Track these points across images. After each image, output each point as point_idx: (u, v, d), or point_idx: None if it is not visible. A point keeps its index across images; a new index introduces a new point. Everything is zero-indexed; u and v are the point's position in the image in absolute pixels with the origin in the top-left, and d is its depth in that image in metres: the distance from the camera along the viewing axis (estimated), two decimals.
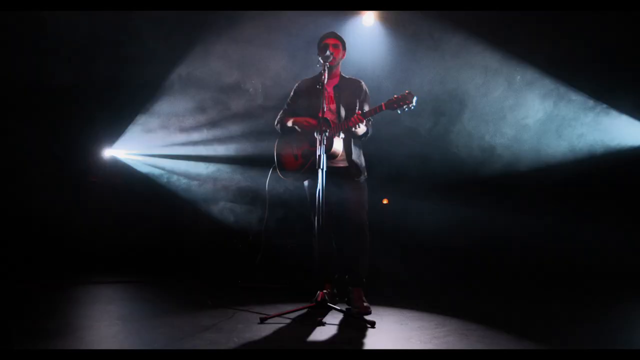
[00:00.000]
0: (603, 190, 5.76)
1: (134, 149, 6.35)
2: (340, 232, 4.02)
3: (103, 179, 6.32)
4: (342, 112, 3.97)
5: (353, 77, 4.19)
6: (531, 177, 5.92)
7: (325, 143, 3.55)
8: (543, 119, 5.86)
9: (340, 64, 4.14)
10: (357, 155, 4.04)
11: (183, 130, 6.21)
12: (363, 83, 4.16)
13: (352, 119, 3.72)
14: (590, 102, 5.65)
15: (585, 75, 5.54)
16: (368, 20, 5.76)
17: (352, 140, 4.01)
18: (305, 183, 4.16)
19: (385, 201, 6.61)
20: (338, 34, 4.15)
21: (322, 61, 3.75)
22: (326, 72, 3.74)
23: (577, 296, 4.89)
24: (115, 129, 6.28)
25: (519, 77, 5.87)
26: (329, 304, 3.51)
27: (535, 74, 5.71)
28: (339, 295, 4.10)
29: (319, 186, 3.49)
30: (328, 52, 3.78)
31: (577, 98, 5.68)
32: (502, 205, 5.89)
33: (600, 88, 5.57)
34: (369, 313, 3.73)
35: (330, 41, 4.07)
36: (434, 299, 4.53)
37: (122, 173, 6.37)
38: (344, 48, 4.14)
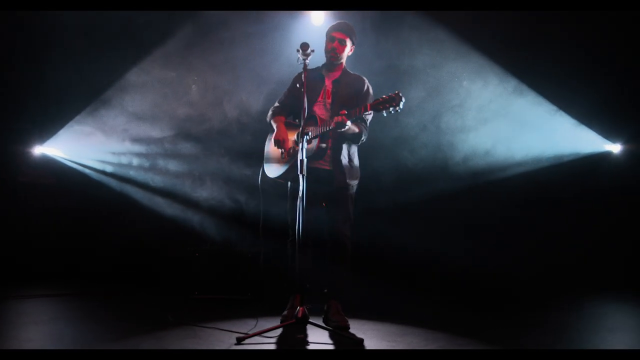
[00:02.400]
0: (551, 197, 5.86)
1: (70, 146, 5.77)
2: (319, 243, 3.78)
3: (34, 179, 5.70)
4: (336, 109, 3.67)
5: (356, 74, 3.93)
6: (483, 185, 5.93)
7: (308, 143, 3.30)
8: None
9: (345, 59, 3.88)
10: (347, 159, 3.77)
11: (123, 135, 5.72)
12: (366, 80, 3.89)
13: (335, 119, 3.47)
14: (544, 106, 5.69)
15: (539, 76, 5.56)
16: (317, 19, 5.52)
17: (345, 142, 3.75)
18: (289, 184, 3.89)
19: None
20: (348, 25, 3.85)
21: (301, 58, 3.46)
22: (305, 74, 3.47)
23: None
24: (47, 125, 5.68)
25: (465, 82, 5.84)
26: (310, 320, 3.25)
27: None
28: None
29: (300, 193, 3.24)
30: (306, 49, 3.48)
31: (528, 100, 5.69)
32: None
33: (552, 91, 5.61)
34: (347, 327, 3.51)
35: (337, 35, 3.80)
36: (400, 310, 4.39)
37: (57, 172, 5.76)
38: (354, 43, 3.86)
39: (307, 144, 3.36)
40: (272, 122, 3.91)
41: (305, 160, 3.25)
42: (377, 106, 3.38)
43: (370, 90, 3.87)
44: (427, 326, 3.58)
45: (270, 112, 3.99)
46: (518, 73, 5.50)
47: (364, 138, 3.76)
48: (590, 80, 5.40)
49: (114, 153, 5.77)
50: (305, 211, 3.25)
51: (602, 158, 5.81)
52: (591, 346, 3.15)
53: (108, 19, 5.13)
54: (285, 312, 3.71)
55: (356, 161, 3.85)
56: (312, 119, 3.62)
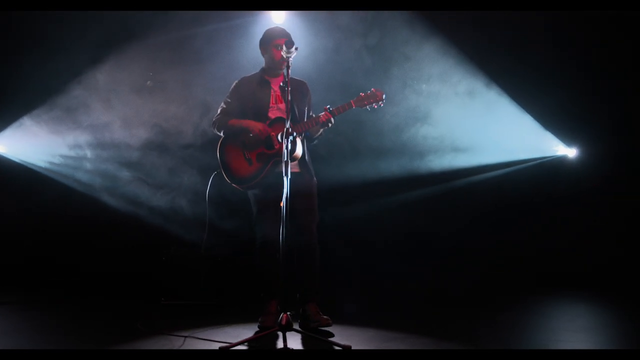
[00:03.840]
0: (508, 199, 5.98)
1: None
2: (294, 245, 3.67)
3: None
4: (294, 112, 3.65)
5: (296, 78, 3.92)
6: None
7: (289, 147, 3.19)
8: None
9: None
10: (309, 159, 3.77)
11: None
12: (307, 83, 3.93)
13: (322, 116, 3.47)
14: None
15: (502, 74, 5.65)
16: (278, 17, 5.41)
17: (305, 141, 3.74)
18: (251, 192, 3.74)
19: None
20: (285, 29, 3.82)
21: (285, 56, 3.37)
22: (289, 71, 3.37)
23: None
24: None
25: (424, 85, 5.88)
26: (295, 328, 3.14)
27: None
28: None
29: (285, 195, 3.13)
30: (290, 47, 3.38)
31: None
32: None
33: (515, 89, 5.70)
34: (330, 324, 3.45)
35: (282, 42, 3.66)
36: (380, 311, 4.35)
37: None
38: (295, 45, 3.74)
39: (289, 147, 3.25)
40: (229, 126, 3.74)
41: (290, 162, 3.15)
42: (362, 102, 3.47)
43: (310, 93, 3.91)
44: (409, 330, 3.55)
45: (217, 118, 3.82)
46: (487, 73, 5.59)
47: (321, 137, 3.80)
48: (552, 82, 5.55)
49: (61, 155, 5.50)
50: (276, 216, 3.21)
51: (560, 162, 5.97)
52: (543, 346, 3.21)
53: (60, 19, 5.01)
54: (261, 319, 3.58)
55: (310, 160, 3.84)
56: (280, 121, 3.59)
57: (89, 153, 5.33)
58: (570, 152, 5.94)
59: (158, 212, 5.31)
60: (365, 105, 3.47)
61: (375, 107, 3.48)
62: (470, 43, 5.50)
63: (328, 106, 3.54)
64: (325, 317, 3.50)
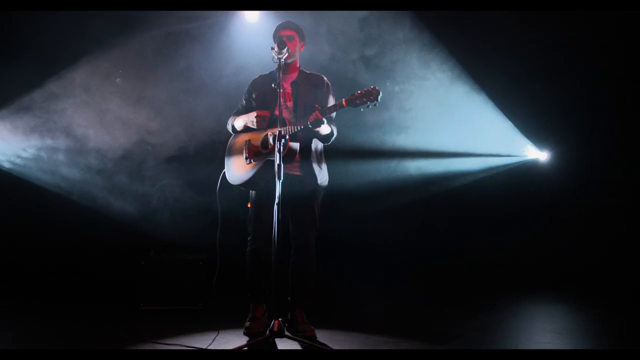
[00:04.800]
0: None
1: None
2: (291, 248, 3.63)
3: None
4: (301, 111, 3.52)
5: (314, 72, 3.75)
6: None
7: (283, 150, 3.14)
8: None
9: (298, 57, 3.68)
10: (317, 161, 3.61)
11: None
12: (325, 78, 3.74)
13: (312, 115, 3.30)
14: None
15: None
16: (251, 16, 5.32)
17: (313, 142, 3.59)
18: (252, 192, 3.64)
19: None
20: (294, 22, 3.68)
21: (275, 57, 3.32)
22: (281, 69, 3.32)
23: None
24: None
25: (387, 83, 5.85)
26: (286, 334, 3.10)
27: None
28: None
29: (277, 200, 3.08)
30: (282, 47, 3.34)
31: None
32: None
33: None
34: (314, 336, 3.40)
35: (285, 32, 3.60)
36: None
37: None
38: (302, 39, 3.67)
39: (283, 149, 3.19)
40: (237, 120, 3.67)
41: (282, 165, 3.10)
42: (354, 101, 3.24)
43: (330, 86, 3.73)
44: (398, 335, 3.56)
45: (230, 119, 3.77)
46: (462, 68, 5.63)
47: (334, 136, 3.61)
48: (528, 86, 5.67)
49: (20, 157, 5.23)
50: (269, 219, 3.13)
51: (531, 166, 6.07)
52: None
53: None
54: (247, 324, 3.51)
55: (325, 163, 3.71)
56: (282, 123, 3.44)
57: (60, 156, 5.12)
58: (541, 155, 6.05)
59: (135, 215, 5.16)
60: (358, 104, 3.24)
61: (369, 106, 3.24)
62: (452, 45, 5.54)
63: (321, 106, 3.40)
64: (310, 327, 3.46)
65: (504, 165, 6.08)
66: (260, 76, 3.77)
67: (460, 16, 5.34)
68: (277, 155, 3.11)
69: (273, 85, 3.33)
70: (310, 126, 3.32)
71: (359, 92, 3.26)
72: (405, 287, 5.57)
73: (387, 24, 5.37)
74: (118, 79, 5.46)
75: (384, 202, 5.96)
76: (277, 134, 3.16)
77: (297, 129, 3.36)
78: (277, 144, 3.13)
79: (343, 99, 3.30)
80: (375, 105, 3.24)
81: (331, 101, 3.66)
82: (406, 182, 5.97)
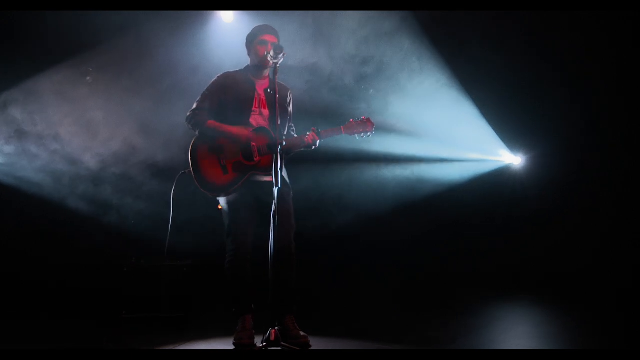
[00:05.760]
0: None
1: None
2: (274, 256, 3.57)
3: None
4: (277, 120, 3.36)
5: (281, 82, 3.69)
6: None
7: (279, 160, 3.12)
8: None
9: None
10: (285, 170, 3.61)
11: None
12: (290, 90, 3.75)
13: (309, 136, 3.43)
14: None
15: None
16: (227, 17, 5.29)
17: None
18: (223, 199, 3.56)
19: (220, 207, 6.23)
20: (273, 27, 3.62)
21: (273, 62, 3.26)
22: (277, 75, 3.27)
23: None
24: None
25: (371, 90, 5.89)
26: (282, 343, 3.06)
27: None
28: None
29: (274, 207, 3.05)
30: (279, 52, 3.27)
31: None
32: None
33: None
34: (309, 345, 3.36)
35: (268, 38, 3.53)
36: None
37: None
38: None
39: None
40: (207, 127, 3.49)
41: (280, 173, 3.09)
42: (352, 130, 3.51)
43: (293, 100, 3.77)
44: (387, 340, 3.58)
45: (193, 114, 3.53)
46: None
47: None
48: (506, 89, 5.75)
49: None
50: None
51: (504, 170, 6.15)
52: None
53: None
54: (236, 335, 3.42)
55: None
56: (263, 131, 3.44)
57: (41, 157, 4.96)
58: (515, 160, 6.14)
59: (117, 222, 5.03)
60: (354, 133, 3.51)
61: (363, 137, 3.53)
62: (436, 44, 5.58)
63: (316, 127, 3.45)
64: (303, 334, 3.42)
65: (480, 170, 6.13)
66: (229, 73, 3.65)
67: (443, 18, 5.41)
68: (275, 165, 3.09)
69: (269, 90, 3.29)
70: (307, 146, 3.46)
71: (354, 121, 3.53)
72: (387, 292, 5.61)
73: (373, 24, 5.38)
74: (88, 77, 5.36)
75: (360, 208, 5.97)
76: (279, 145, 3.13)
77: (290, 146, 3.42)
78: (276, 150, 3.10)
79: (341, 127, 3.53)
80: (369, 135, 3.56)
81: (290, 115, 3.72)
82: (385, 188, 6.02)
